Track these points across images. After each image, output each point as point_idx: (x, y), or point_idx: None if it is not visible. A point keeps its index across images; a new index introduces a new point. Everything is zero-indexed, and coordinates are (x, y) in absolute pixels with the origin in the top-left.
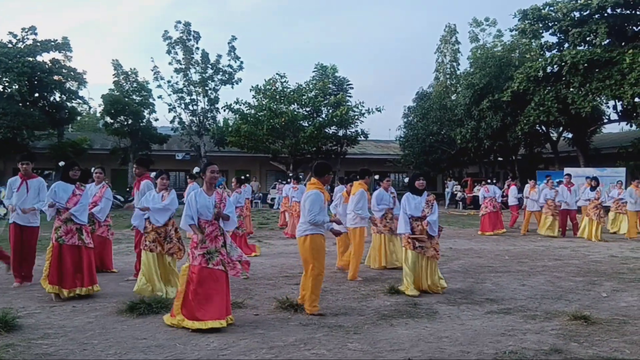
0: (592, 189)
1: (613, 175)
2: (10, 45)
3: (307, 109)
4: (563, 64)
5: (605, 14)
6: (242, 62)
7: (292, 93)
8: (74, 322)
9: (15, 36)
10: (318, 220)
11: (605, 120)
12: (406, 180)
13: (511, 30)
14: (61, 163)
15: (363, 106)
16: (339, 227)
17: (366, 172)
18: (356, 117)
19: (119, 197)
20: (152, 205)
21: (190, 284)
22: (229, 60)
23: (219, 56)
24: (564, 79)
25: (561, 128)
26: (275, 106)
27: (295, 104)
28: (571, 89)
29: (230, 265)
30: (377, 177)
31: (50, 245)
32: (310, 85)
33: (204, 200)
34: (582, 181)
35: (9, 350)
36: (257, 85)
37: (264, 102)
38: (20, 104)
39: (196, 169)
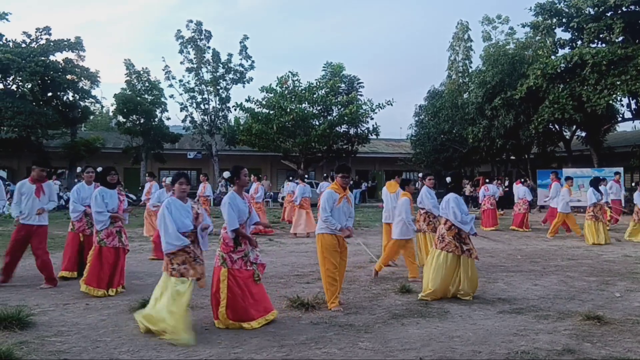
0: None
1: (609, 176)
2: (24, 45)
3: (318, 108)
4: (581, 62)
5: (620, 11)
6: (253, 62)
7: (303, 91)
8: (87, 319)
9: (29, 36)
10: (328, 220)
11: (620, 119)
12: (448, 179)
13: (523, 26)
14: (99, 169)
15: (372, 103)
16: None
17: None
18: (367, 113)
19: (131, 195)
20: (182, 227)
21: (235, 288)
22: (240, 59)
23: (230, 55)
24: (578, 77)
25: (575, 126)
26: (285, 104)
27: (306, 102)
28: (586, 87)
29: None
30: (420, 175)
31: (93, 247)
32: (321, 84)
33: (242, 204)
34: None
35: (23, 347)
36: (270, 85)
37: (274, 100)
38: (34, 103)
39: (227, 173)
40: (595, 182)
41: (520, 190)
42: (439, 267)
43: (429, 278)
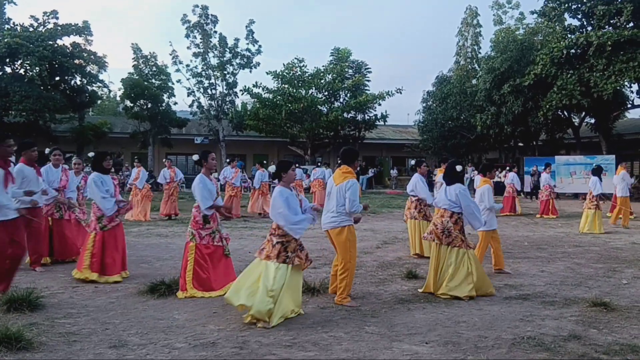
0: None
1: (602, 163)
2: (31, 29)
3: (325, 93)
4: (588, 45)
5: None
6: (260, 46)
7: (310, 77)
8: (96, 302)
9: (37, 20)
10: (358, 209)
11: (629, 105)
12: (458, 168)
13: (532, 13)
14: (90, 154)
15: (385, 92)
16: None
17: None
18: (375, 100)
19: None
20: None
21: (200, 261)
22: (247, 44)
23: (237, 40)
24: (587, 63)
25: (583, 113)
26: (294, 91)
27: (314, 88)
28: (594, 72)
29: (227, 240)
30: (412, 162)
31: (92, 235)
32: (328, 69)
33: (212, 186)
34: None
35: (33, 329)
36: (276, 70)
37: (284, 87)
38: (42, 88)
39: (195, 156)
40: (598, 172)
41: (508, 177)
42: (457, 265)
43: (445, 277)
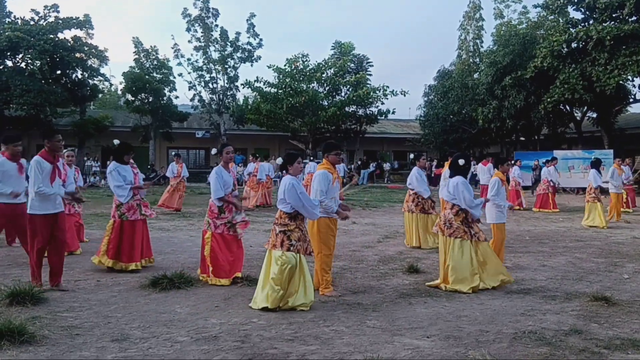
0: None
1: (600, 158)
2: (32, 23)
3: (327, 87)
4: (588, 39)
5: None
6: (261, 40)
7: (312, 72)
8: (98, 295)
9: (37, 13)
10: (324, 203)
11: (631, 100)
12: (461, 162)
13: (535, 7)
14: (116, 141)
15: (387, 87)
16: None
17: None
18: (378, 97)
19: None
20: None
21: (217, 249)
22: (248, 37)
23: (238, 33)
24: (589, 56)
25: (585, 107)
26: (296, 85)
27: (315, 82)
28: (596, 66)
29: (240, 226)
30: (412, 155)
31: (111, 222)
32: (330, 63)
33: (228, 177)
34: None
35: (36, 322)
36: (276, 65)
37: (285, 81)
38: (43, 81)
39: (214, 151)
40: (597, 164)
41: (484, 170)
42: (456, 256)
43: (448, 269)
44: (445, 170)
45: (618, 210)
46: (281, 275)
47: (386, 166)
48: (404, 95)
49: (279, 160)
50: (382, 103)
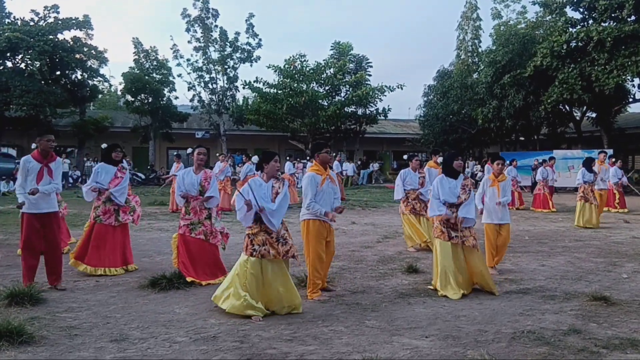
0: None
1: (592, 157)
2: (32, 23)
3: (326, 88)
4: (589, 39)
5: None
6: (260, 40)
7: (311, 72)
8: (97, 296)
9: (37, 14)
10: (310, 206)
11: (631, 100)
12: (439, 159)
13: (534, 4)
14: (103, 145)
15: (386, 87)
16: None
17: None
18: (376, 95)
19: (139, 174)
20: (268, 207)
21: (181, 248)
22: (248, 37)
23: (237, 34)
24: (588, 56)
25: (585, 107)
26: (295, 85)
27: (314, 82)
28: (596, 67)
29: (213, 235)
30: (405, 157)
31: (87, 223)
32: (329, 64)
33: (191, 178)
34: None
35: (35, 323)
36: (276, 65)
37: (285, 81)
38: (42, 82)
39: (255, 158)
40: (588, 163)
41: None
42: (437, 256)
43: (437, 270)
44: (426, 169)
45: (600, 208)
46: (244, 279)
47: (374, 166)
48: (401, 89)
49: (255, 159)
50: (380, 100)
